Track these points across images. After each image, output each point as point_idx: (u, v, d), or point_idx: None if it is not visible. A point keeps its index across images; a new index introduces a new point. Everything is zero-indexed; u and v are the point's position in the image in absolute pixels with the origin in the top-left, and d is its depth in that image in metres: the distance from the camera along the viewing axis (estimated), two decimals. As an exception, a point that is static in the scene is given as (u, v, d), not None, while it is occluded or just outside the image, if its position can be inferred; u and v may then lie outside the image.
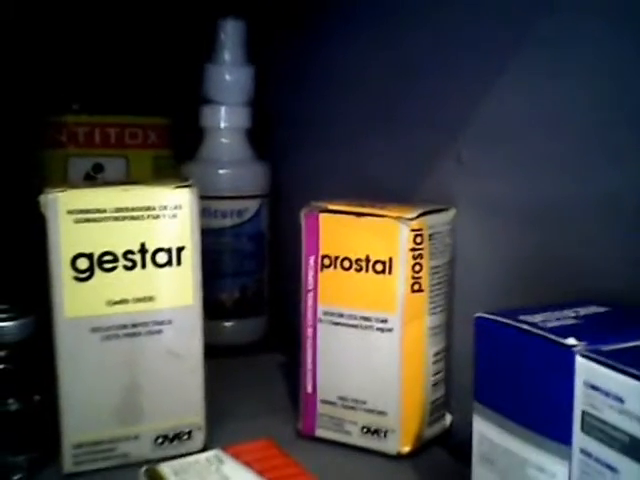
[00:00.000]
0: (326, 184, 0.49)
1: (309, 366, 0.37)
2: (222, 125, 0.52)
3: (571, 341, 0.22)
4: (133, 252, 0.33)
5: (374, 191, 0.43)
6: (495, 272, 0.35)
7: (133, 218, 0.33)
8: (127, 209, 0.33)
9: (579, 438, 0.22)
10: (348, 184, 0.46)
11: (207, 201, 0.50)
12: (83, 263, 0.33)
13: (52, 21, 0.55)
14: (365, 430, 0.36)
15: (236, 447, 0.28)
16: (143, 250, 0.34)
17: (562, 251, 0.31)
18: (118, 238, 0.33)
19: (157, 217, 0.34)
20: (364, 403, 0.36)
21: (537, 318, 0.24)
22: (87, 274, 0.33)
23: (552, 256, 0.32)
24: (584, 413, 0.21)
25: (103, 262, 0.33)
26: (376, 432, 0.36)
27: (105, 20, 0.57)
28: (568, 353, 0.22)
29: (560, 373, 0.22)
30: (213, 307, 0.52)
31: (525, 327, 0.23)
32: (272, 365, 0.50)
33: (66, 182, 0.50)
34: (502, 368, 0.25)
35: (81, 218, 0.32)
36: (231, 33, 0.52)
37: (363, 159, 0.45)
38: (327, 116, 0.49)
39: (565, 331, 0.23)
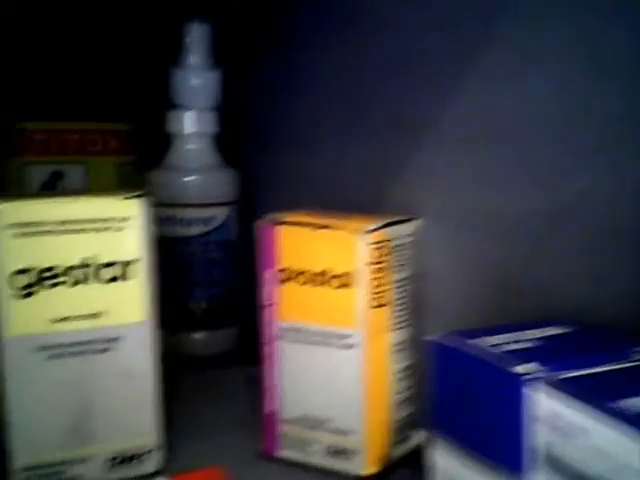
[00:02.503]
0: (297, 191, 0.48)
1: (270, 384, 0.35)
2: (189, 131, 0.50)
3: (522, 369, 0.20)
4: (78, 267, 0.32)
5: (343, 199, 0.42)
6: (464, 285, 0.33)
7: (77, 231, 0.31)
8: (71, 222, 0.31)
9: (536, 474, 0.20)
10: (318, 192, 0.45)
11: (173, 209, 0.49)
12: (24, 279, 0.31)
13: (11, 24, 0.54)
14: (329, 451, 0.34)
15: (182, 476, 0.27)
16: (90, 264, 0.32)
17: (530, 264, 0.30)
18: (62, 252, 0.31)
19: (104, 230, 0.32)
20: (328, 423, 0.34)
21: (494, 341, 0.23)
22: (29, 290, 0.31)
23: (520, 269, 0.30)
24: (540, 447, 0.20)
25: (46, 278, 0.31)
26: (341, 453, 0.34)
27: (66, 23, 0.55)
28: (518, 382, 0.20)
29: (511, 403, 0.20)
30: (181, 318, 0.50)
31: (477, 352, 0.22)
32: (241, 378, 0.48)
33: (23, 191, 0.48)
34: (458, 395, 0.23)
35: (22, 231, 0.31)
36: (197, 36, 0.50)
37: (333, 166, 0.44)
38: (297, 122, 0.48)
39: (522, 356, 0.21)
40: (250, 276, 0.53)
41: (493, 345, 0.22)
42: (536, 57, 0.29)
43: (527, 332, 0.24)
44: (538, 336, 0.23)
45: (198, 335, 0.51)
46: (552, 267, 0.29)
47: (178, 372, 0.48)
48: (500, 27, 0.30)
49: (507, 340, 0.23)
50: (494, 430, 0.21)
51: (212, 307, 0.51)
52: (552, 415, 0.19)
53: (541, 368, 0.20)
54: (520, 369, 0.20)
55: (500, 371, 0.20)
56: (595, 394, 0.19)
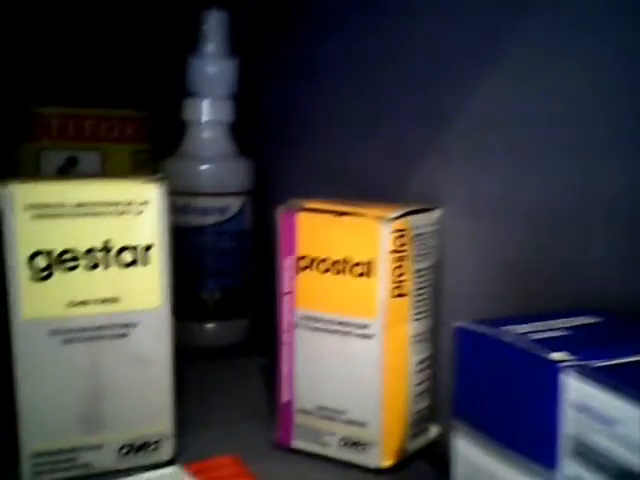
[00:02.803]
0: (313, 180, 0.47)
1: (285, 373, 0.35)
2: (204, 119, 0.50)
3: (557, 356, 0.20)
4: (96, 250, 0.31)
5: (360, 188, 0.41)
6: (485, 275, 0.33)
7: (96, 214, 0.31)
8: (89, 204, 0.31)
9: (566, 464, 0.20)
10: (334, 181, 0.44)
11: (188, 198, 0.49)
12: (41, 261, 0.30)
13: (27, 10, 0.53)
14: (344, 442, 0.34)
15: (198, 464, 0.26)
16: (107, 248, 0.31)
17: (557, 254, 0.29)
18: (79, 235, 0.31)
19: (122, 213, 0.31)
20: (343, 414, 0.34)
21: (523, 329, 0.22)
22: (45, 273, 0.31)
23: (546, 259, 0.30)
24: (571, 436, 0.19)
25: (63, 261, 0.31)
26: (356, 444, 0.34)
27: (82, 9, 0.55)
28: (553, 369, 0.19)
29: (545, 391, 0.20)
30: (193, 308, 0.50)
31: (508, 339, 0.21)
32: (253, 369, 0.48)
33: (39, 175, 0.48)
34: (484, 383, 0.23)
35: (39, 213, 0.30)
36: (214, 24, 0.50)
37: (349, 155, 0.43)
38: (313, 110, 0.47)
39: (553, 344, 0.21)
40: (262, 267, 0.52)
41: (522, 333, 0.22)
42: (559, 49, 0.28)
43: (555, 321, 0.23)
44: (567, 325, 0.23)
45: (209, 325, 0.51)
46: (574, 255, 0.28)
47: (189, 362, 0.47)
48: (532, 11, 0.30)
49: (535, 329, 0.22)
50: (525, 419, 0.21)
51: (224, 297, 0.51)
52: (584, 404, 0.19)
53: (573, 357, 0.20)
54: (555, 356, 0.19)
55: (535, 358, 0.20)
56: (629, 383, 0.18)
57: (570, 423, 0.19)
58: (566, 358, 0.20)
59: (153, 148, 0.54)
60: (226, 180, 0.50)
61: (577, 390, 0.19)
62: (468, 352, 0.23)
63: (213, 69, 0.50)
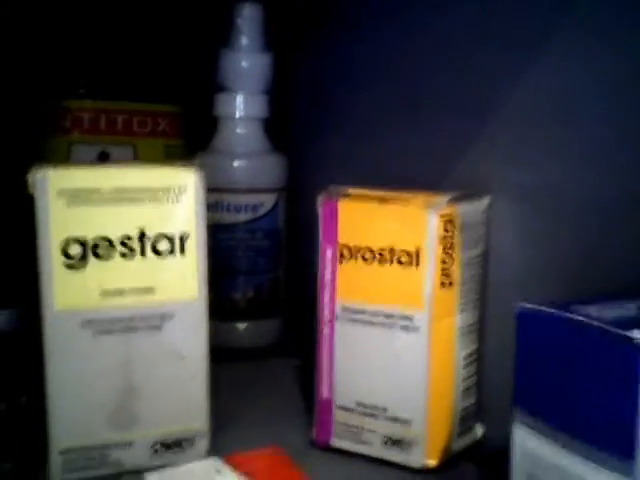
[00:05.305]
0: (348, 176, 0.46)
1: (325, 368, 0.34)
2: (237, 114, 0.49)
3: (638, 334, 0.18)
4: (131, 238, 0.30)
5: (400, 180, 0.40)
6: (532, 267, 0.31)
7: (132, 200, 0.30)
8: (126, 190, 0.30)
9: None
10: (372, 174, 0.43)
11: (220, 194, 0.47)
12: (75, 249, 0.29)
13: (59, 2, 0.53)
14: (386, 440, 0.33)
15: (238, 456, 0.25)
16: (143, 236, 0.30)
17: (607, 244, 0.28)
18: (115, 222, 0.30)
19: (159, 200, 0.30)
20: (386, 410, 0.32)
21: (591, 309, 0.21)
22: (79, 261, 0.29)
23: (596, 250, 0.28)
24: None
25: (98, 248, 0.30)
26: (399, 443, 0.32)
27: (117, 2, 0.54)
28: (634, 349, 0.18)
29: (623, 374, 0.18)
30: (226, 307, 0.49)
31: (580, 318, 0.20)
32: (287, 369, 0.46)
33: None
34: (550, 368, 0.21)
35: (74, 199, 0.29)
36: (248, 17, 0.49)
37: (388, 146, 0.42)
38: (348, 102, 0.46)
39: (629, 323, 0.19)
40: (296, 265, 0.51)
41: (592, 313, 0.20)
42: (606, 36, 0.27)
43: (624, 302, 0.22)
44: (632, 306, 0.21)
45: (241, 325, 0.49)
46: (625, 245, 0.27)
47: (220, 363, 0.46)
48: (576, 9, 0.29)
49: (605, 309, 0.21)
50: (597, 406, 0.19)
51: (257, 297, 0.49)
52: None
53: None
54: (637, 334, 0.18)
55: (611, 337, 0.18)
56: None
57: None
58: (644, 337, 0.18)
59: (185, 143, 0.53)
60: (259, 176, 0.49)
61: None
62: (532, 335, 0.22)
63: (246, 63, 0.49)
